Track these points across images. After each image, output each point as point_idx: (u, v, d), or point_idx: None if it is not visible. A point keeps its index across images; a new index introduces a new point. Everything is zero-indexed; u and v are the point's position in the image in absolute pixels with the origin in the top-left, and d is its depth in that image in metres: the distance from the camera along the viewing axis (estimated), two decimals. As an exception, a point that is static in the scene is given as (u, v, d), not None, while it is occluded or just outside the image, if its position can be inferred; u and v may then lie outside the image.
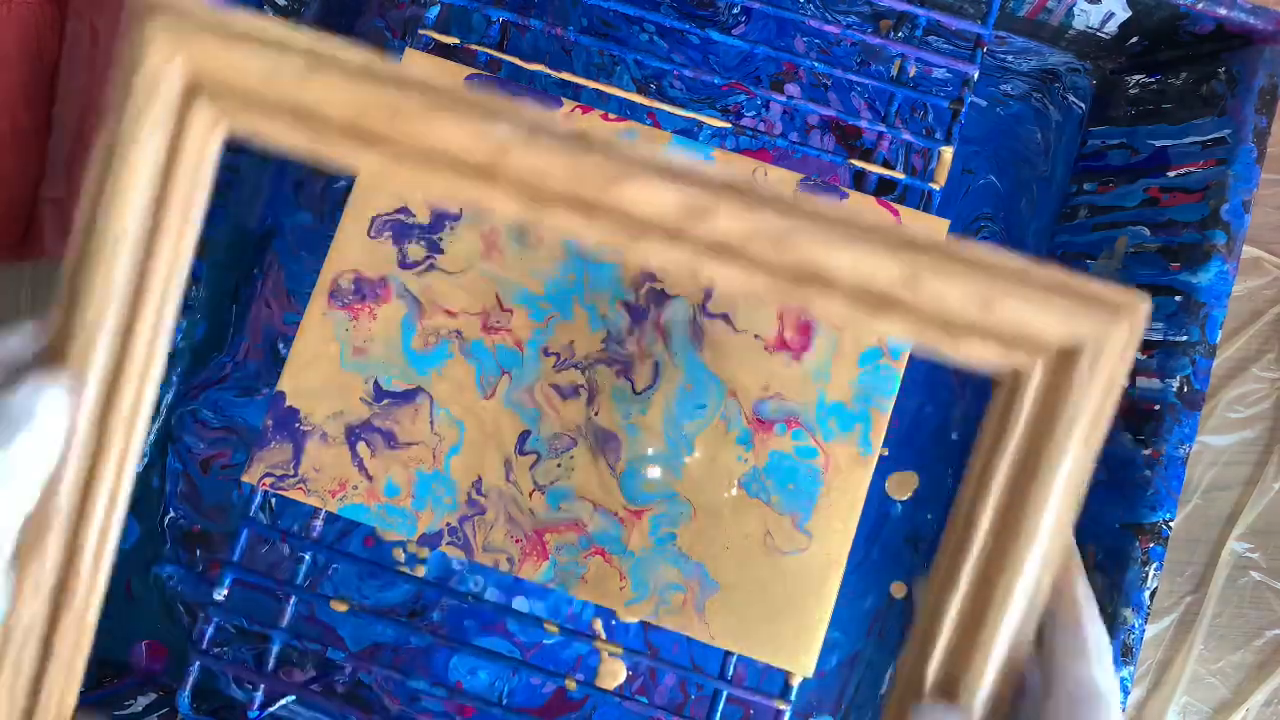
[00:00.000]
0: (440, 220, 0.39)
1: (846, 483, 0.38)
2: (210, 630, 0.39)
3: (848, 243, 0.23)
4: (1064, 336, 0.24)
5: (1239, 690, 0.47)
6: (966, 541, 0.24)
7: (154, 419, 0.46)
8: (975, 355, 0.24)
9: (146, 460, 0.46)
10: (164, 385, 0.46)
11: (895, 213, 0.39)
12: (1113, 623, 0.38)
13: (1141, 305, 0.24)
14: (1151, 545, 0.39)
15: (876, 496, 0.46)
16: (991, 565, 0.24)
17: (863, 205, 0.26)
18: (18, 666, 0.26)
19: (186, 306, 0.46)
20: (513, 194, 0.24)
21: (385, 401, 0.38)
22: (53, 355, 0.25)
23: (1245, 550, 0.48)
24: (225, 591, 0.39)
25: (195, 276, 0.46)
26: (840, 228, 0.23)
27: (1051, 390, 0.24)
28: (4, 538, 0.24)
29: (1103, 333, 0.23)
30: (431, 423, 0.38)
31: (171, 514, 0.46)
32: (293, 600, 0.39)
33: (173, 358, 0.46)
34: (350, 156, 0.24)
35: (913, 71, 0.42)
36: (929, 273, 0.23)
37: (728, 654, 0.38)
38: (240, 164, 0.47)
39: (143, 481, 0.46)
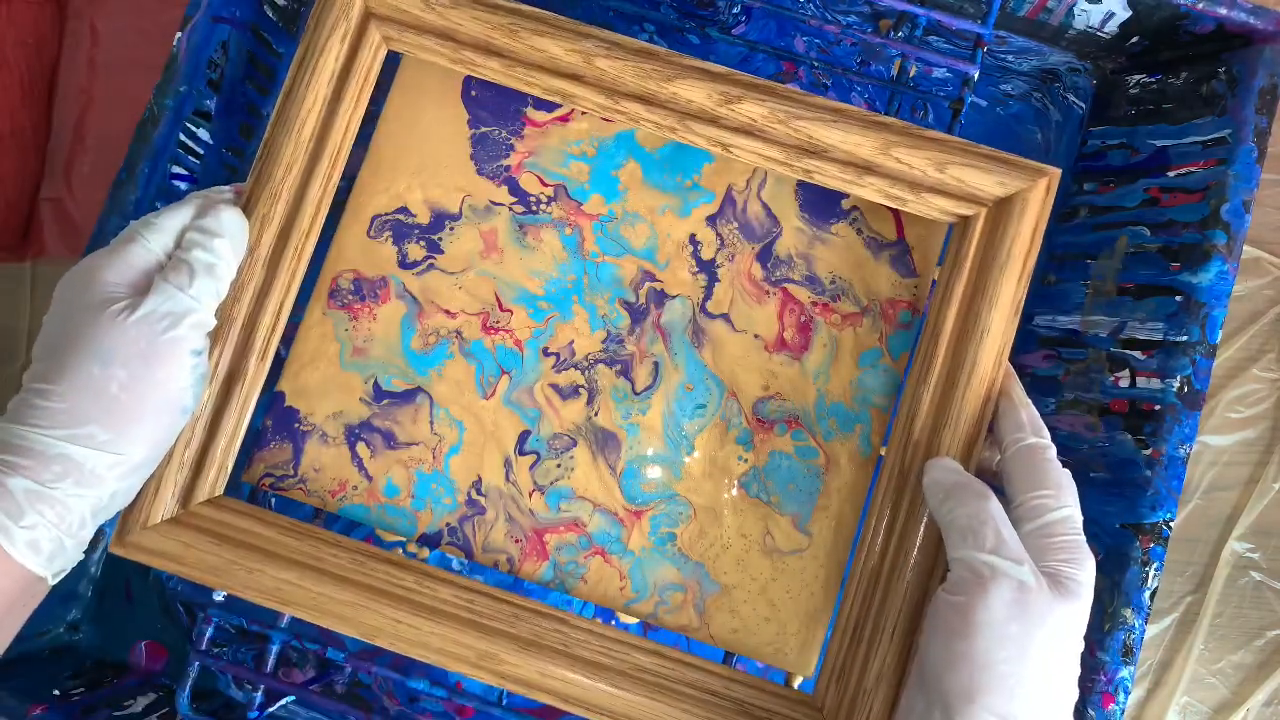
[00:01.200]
0: (440, 220, 0.39)
1: (847, 483, 0.38)
2: (210, 630, 0.39)
3: (837, 122, 0.35)
4: (1000, 191, 0.35)
5: (1239, 690, 0.47)
6: (934, 348, 0.35)
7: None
8: (936, 207, 0.36)
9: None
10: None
11: (897, 215, 0.39)
12: (1113, 622, 0.38)
13: (1055, 171, 0.35)
14: (1152, 545, 0.38)
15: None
16: (955, 360, 0.35)
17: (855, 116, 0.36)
18: (187, 440, 0.35)
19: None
20: (594, 90, 0.36)
21: (385, 401, 0.38)
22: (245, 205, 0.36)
23: (1245, 550, 0.48)
24: (225, 592, 0.39)
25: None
26: (831, 112, 0.35)
27: (992, 231, 0.35)
28: (208, 314, 0.33)
29: (1029, 188, 0.35)
30: (431, 423, 0.38)
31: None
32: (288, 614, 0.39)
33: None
34: (479, 64, 0.36)
35: (913, 71, 0.42)
36: (897, 146, 0.35)
37: (728, 654, 0.38)
38: (239, 166, 0.46)
39: (142, 481, 0.46)
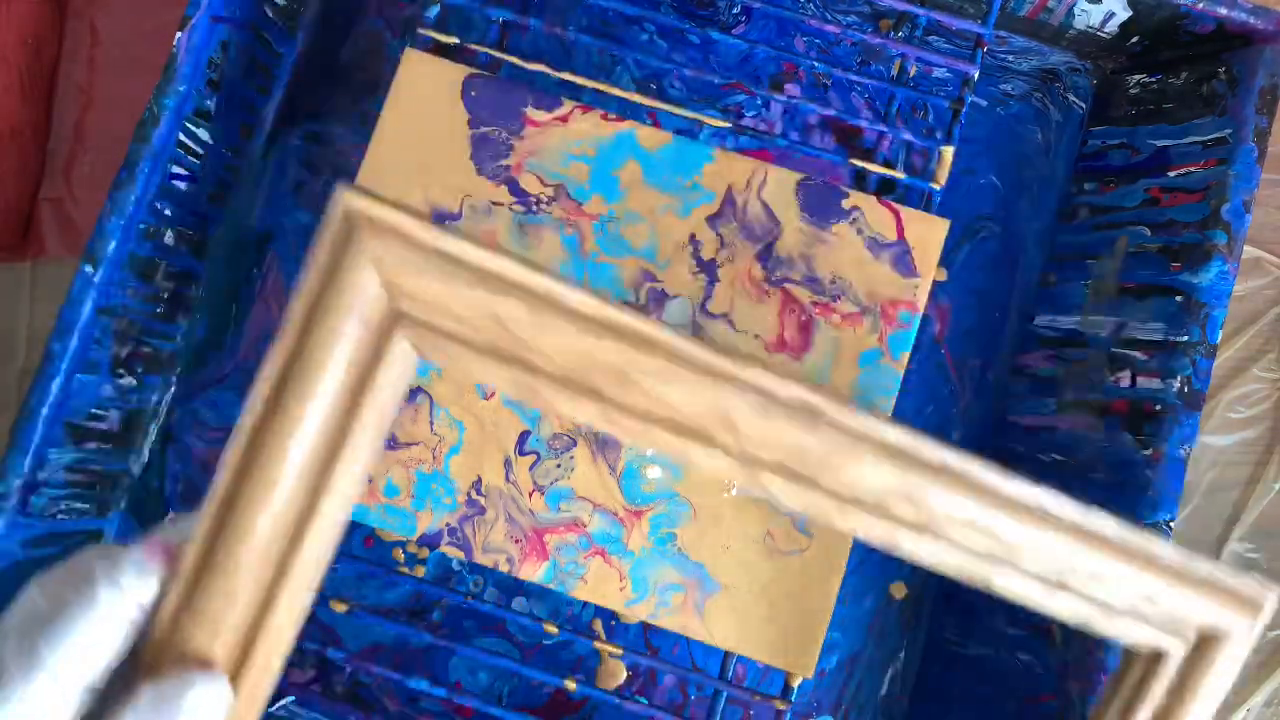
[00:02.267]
0: (440, 220, 0.39)
1: (847, 483, 0.38)
2: (210, 631, 0.39)
3: (1037, 528, 0.24)
4: (1208, 625, 0.26)
5: (1239, 690, 0.47)
6: None
7: (153, 419, 0.46)
8: (1128, 635, 0.27)
9: (145, 462, 0.46)
10: (162, 385, 0.46)
11: (896, 213, 0.39)
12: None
13: (1271, 596, 0.27)
14: (1152, 545, 0.38)
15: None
16: None
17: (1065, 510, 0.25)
18: None
19: (185, 307, 0.46)
20: (730, 455, 0.23)
21: (385, 402, 0.38)
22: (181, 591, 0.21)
23: (1246, 551, 0.48)
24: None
25: (195, 276, 0.46)
26: (1035, 517, 0.24)
27: (1190, 669, 0.27)
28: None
29: (1241, 624, 0.27)
30: (431, 423, 0.38)
31: (172, 515, 0.46)
32: (292, 601, 0.39)
33: (172, 358, 0.46)
34: (565, 406, 0.22)
35: (913, 71, 0.42)
36: (1105, 566, 0.25)
37: (728, 654, 0.38)
38: (240, 165, 0.46)
39: (142, 484, 0.46)
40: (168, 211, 0.43)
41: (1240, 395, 0.49)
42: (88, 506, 0.44)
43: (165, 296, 0.45)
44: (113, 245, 0.40)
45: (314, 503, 0.21)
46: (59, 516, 0.42)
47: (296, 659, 0.45)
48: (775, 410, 0.22)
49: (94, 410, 0.42)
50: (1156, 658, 0.28)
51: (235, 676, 0.21)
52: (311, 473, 0.21)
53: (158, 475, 0.46)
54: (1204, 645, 0.27)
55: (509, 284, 0.21)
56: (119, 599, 0.20)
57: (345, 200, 0.21)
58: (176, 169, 0.43)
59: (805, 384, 0.22)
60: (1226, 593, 0.26)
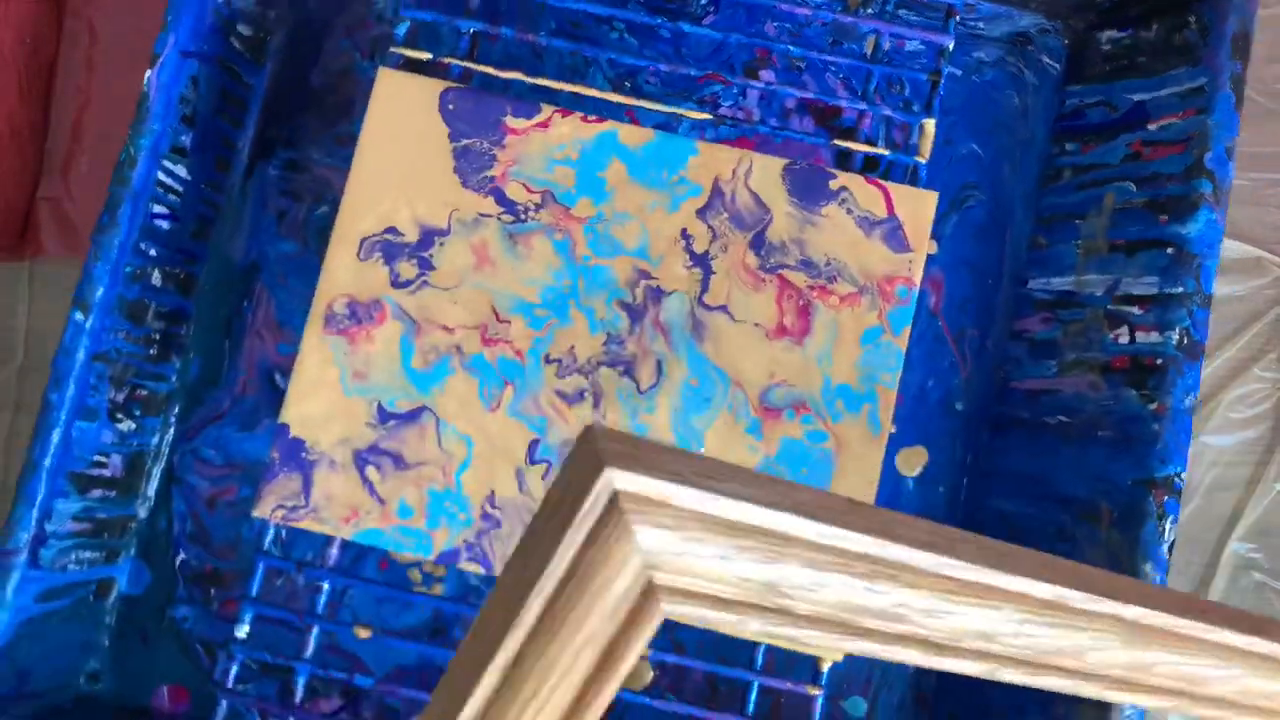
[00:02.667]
0: (429, 236, 0.39)
1: (860, 463, 0.38)
2: (235, 668, 0.38)
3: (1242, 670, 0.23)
4: None
5: None
6: None
7: (155, 461, 0.46)
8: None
9: (151, 504, 0.46)
10: (161, 426, 0.46)
11: (885, 189, 0.39)
12: (1134, 578, 0.38)
13: None
14: (1166, 499, 0.39)
15: (888, 474, 0.46)
16: None
17: None
18: None
19: (179, 346, 0.46)
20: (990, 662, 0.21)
21: (390, 423, 0.38)
22: None
23: (1247, 551, 0.48)
24: (247, 628, 0.38)
25: (184, 314, 0.46)
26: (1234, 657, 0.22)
27: None
28: None
29: None
30: (439, 440, 0.38)
31: (182, 555, 0.46)
32: (315, 630, 0.39)
33: (168, 398, 0.46)
34: (826, 642, 0.20)
35: (886, 46, 0.42)
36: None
37: (755, 644, 0.38)
38: (220, 199, 0.46)
39: (149, 527, 0.46)
40: (152, 252, 0.42)
41: (1240, 395, 0.49)
42: (97, 554, 0.43)
43: (157, 337, 0.44)
44: (101, 290, 0.40)
45: None
46: (69, 568, 0.42)
47: (322, 688, 0.45)
48: (1031, 614, 0.21)
49: (96, 457, 0.42)
50: None
51: None
52: None
53: (165, 517, 0.46)
54: None
55: (782, 539, 0.18)
56: None
57: (607, 479, 0.17)
58: (157, 208, 0.42)
59: (1057, 573, 0.21)
60: None
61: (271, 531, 0.39)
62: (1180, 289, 0.40)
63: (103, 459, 0.43)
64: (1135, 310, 0.41)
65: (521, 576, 0.17)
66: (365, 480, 0.38)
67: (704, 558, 0.18)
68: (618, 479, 0.17)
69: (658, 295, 0.38)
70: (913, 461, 0.47)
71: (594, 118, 0.39)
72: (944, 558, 0.19)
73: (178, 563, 0.46)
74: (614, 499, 0.17)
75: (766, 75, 0.48)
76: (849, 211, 0.39)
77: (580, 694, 0.18)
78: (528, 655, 0.18)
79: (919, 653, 0.20)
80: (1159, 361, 0.40)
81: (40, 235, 0.50)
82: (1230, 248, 0.49)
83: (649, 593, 0.18)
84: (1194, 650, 0.22)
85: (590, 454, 0.17)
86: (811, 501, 0.18)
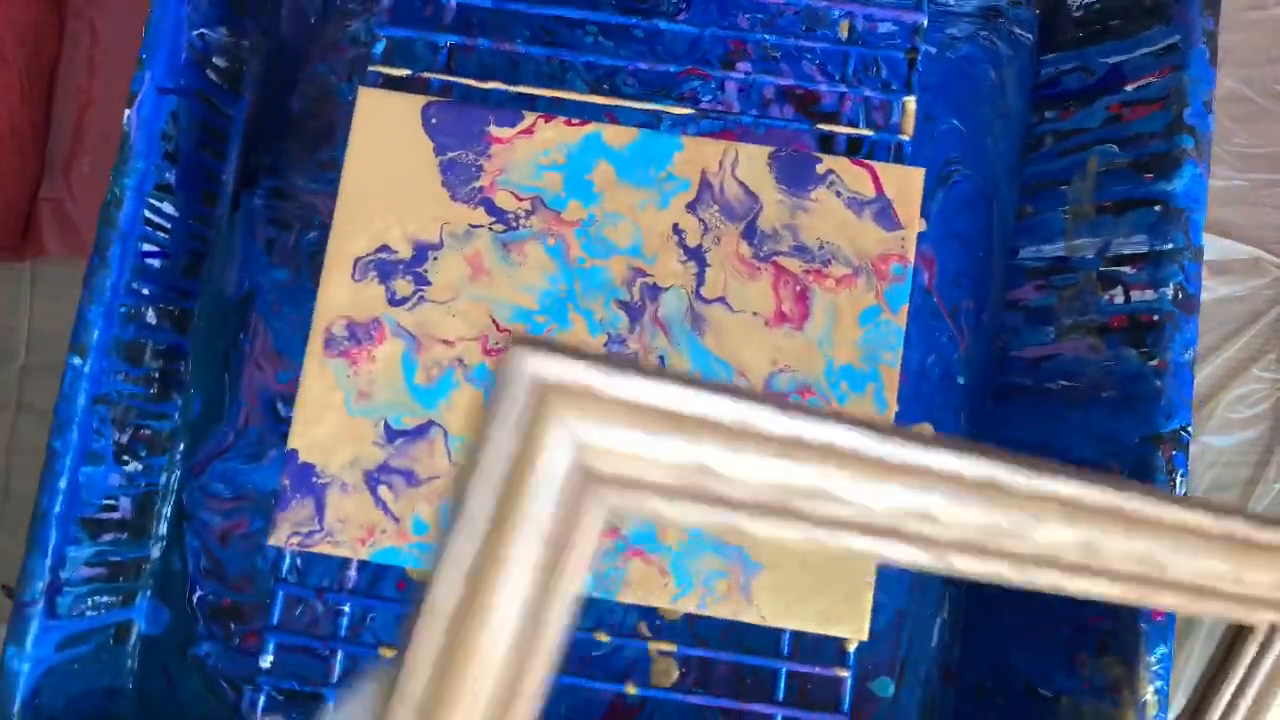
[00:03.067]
0: (422, 252, 0.39)
1: (868, 443, 0.38)
2: (262, 699, 0.38)
3: (1190, 547, 0.24)
4: None
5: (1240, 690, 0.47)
6: None
7: (164, 500, 0.46)
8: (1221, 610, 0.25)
9: (164, 544, 0.46)
10: (168, 465, 0.46)
11: (871, 169, 0.39)
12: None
13: None
14: (1174, 453, 0.39)
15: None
16: None
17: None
18: None
19: (179, 383, 0.46)
20: (920, 546, 0.22)
21: (399, 441, 0.38)
22: None
23: None
24: (271, 658, 0.38)
25: (182, 351, 0.46)
26: (1191, 535, 0.24)
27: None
28: None
29: None
30: (449, 454, 0.38)
31: (199, 592, 0.46)
32: (339, 655, 0.39)
33: (172, 436, 0.46)
34: (765, 532, 0.21)
35: (860, 28, 0.43)
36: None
37: (781, 631, 0.38)
38: (208, 233, 0.46)
39: (164, 565, 0.46)
40: (145, 290, 0.42)
41: (1240, 395, 0.49)
42: (114, 598, 0.43)
43: (156, 376, 0.44)
44: (96, 333, 0.40)
45: (515, 688, 0.20)
46: (87, 613, 0.42)
47: (350, 713, 0.45)
48: (965, 493, 0.22)
49: (105, 501, 0.42)
50: (1273, 634, 0.27)
51: None
52: (511, 664, 0.20)
53: (178, 555, 0.46)
54: None
55: (704, 423, 0.20)
56: None
57: (526, 363, 0.18)
58: (147, 246, 0.42)
59: (989, 455, 0.22)
60: None
61: (288, 559, 0.39)
62: (1170, 245, 0.40)
63: (112, 502, 0.42)
64: (1128, 270, 0.42)
65: (461, 479, 0.18)
66: (378, 500, 0.38)
67: (634, 443, 0.19)
68: (545, 370, 0.18)
69: (655, 292, 0.39)
70: (919, 439, 0.47)
71: (577, 121, 0.39)
72: (871, 438, 0.20)
73: (195, 600, 0.46)
74: (543, 392, 0.18)
75: (744, 66, 0.48)
76: (838, 194, 0.39)
77: (536, 593, 0.19)
78: (481, 554, 0.19)
79: (860, 537, 0.21)
80: (1156, 318, 0.40)
81: (42, 236, 0.50)
82: (1229, 248, 0.50)
83: (587, 481, 0.19)
84: (1146, 531, 0.23)
85: (518, 354, 0.18)
86: (734, 389, 0.20)
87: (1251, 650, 0.26)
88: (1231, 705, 0.27)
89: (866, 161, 0.39)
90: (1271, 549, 0.24)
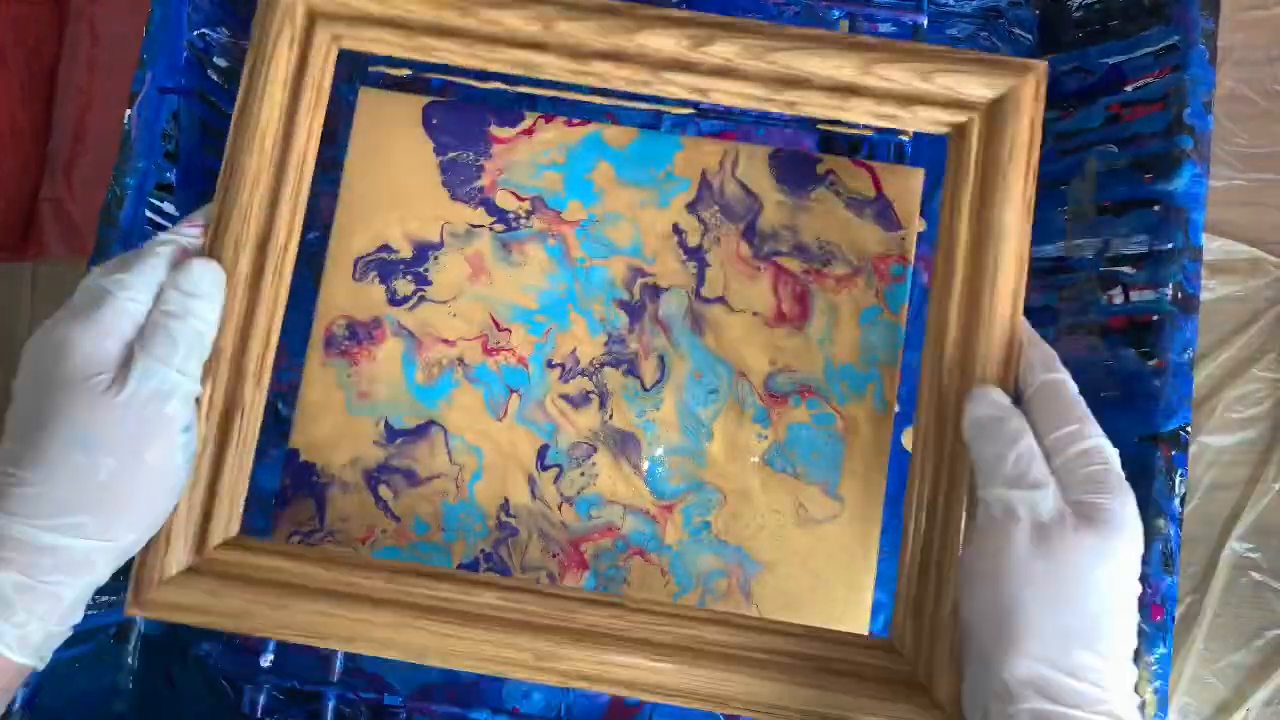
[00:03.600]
0: (423, 251, 0.39)
1: (869, 442, 0.38)
2: (262, 698, 0.38)
3: (814, 48, 0.33)
4: (990, 93, 0.34)
5: (1239, 690, 0.47)
6: (950, 262, 0.34)
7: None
8: (928, 119, 0.35)
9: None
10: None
11: (872, 170, 0.39)
12: (1148, 534, 0.39)
13: (1042, 64, 0.34)
14: (1173, 453, 0.39)
15: (895, 453, 0.47)
16: (975, 268, 0.34)
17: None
18: (193, 483, 0.33)
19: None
20: (560, 55, 0.34)
21: (399, 440, 0.38)
22: (213, 236, 0.34)
23: (1246, 550, 0.48)
24: (271, 657, 0.38)
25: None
26: (806, 39, 0.33)
27: (990, 133, 0.34)
28: (196, 385, 0.31)
29: (1019, 85, 0.34)
30: (449, 453, 0.38)
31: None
32: (339, 654, 0.39)
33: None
34: (436, 48, 0.34)
35: (860, 28, 0.43)
36: (878, 62, 0.33)
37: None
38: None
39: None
40: (147, 289, 0.42)
41: (1240, 395, 0.49)
42: (114, 597, 0.43)
43: (157, 375, 0.44)
44: (98, 332, 0.40)
45: (284, 161, 0.35)
46: (88, 612, 0.42)
47: (350, 711, 0.45)
48: (582, 12, 0.33)
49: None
50: (962, 134, 0.35)
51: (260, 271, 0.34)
52: (278, 149, 0.35)
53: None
54: (994, 110, 0.34)
55: None
56: (179, 238, 0.33)
57: None
58: (148, 246, 0.42)
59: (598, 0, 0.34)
60: (999, 64, 0.34)
61: (288, 558, 0.39)
62: (1170, 245, 0.40)
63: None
64: (1127, 270, 0.42)
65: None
66: (378, 499, 0.38)
67: None
68: None
69: (655, 292, 0.39)
70: (919, 438, 0.47)
71: (577, 121, 0.39)
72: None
73: (195, 599, 0.46)
74: None
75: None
76: (838, 194, 0.39)
77: (290, 108, 0.35)
78: (248, 97, 0.35)
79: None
80: (1155, 318, 0.40)
81: (42, 236, 0.51)
82: (1229, 248, 0.50)
83: (313, 17, 0.35)
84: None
85: None
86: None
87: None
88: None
89: (866, 162, 0.39)
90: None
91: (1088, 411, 0.31)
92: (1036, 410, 0.32)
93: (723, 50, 0.33)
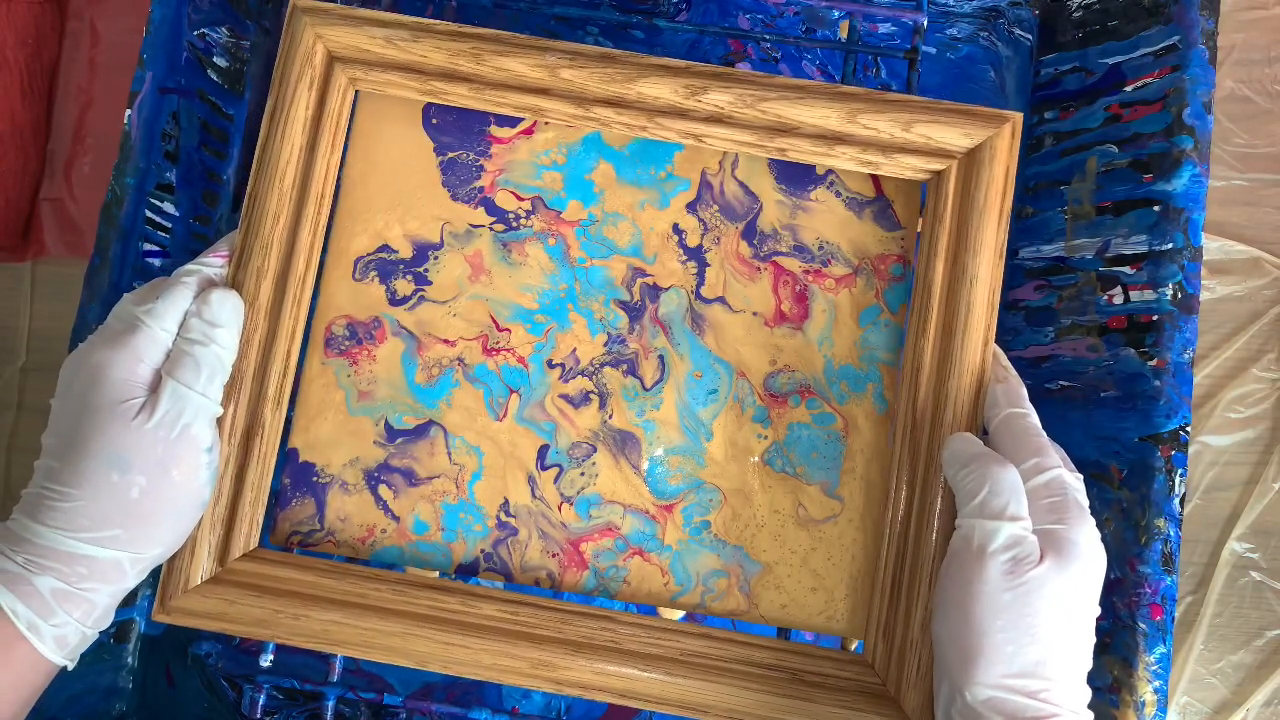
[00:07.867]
0: (423, 251, 0.39)
1: (869, 442, 0.38)
2: (262, 699, 0.38)
3: (802, 98, 0.36)
4: (967, 143, 0.36)
5: (1239, 690, 0.47)
6: (927, 301, 0.36)
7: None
8: (909, 166, 0.37)
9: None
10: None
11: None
12: (1148, 535, 0.39)
13: (1017, 115, 0.36)
14: (1173, 453, 0.39)
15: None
16: (949, 309, 0.36)
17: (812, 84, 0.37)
18: (216, 497, 0.35)
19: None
20: (564, 101, 0.37)
21: (399, 440, 0.38)
22: (236, 267, 0.36)
23: (1245, 550, 0.48)
24: (271, 657, 0.38)
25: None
26: (795, 90, 0.36)
27: (966, 181, 0.36)
28: (218, 406, 0.34)
29: (995, 135, 0.36)
30: (449, 453, 0.38)
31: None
32: (338, 654, 0.39)
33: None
34: (448, 92, 0.37)
35: (860, 30, 0.43)
36: (863, 112, 0.36)
37: (781, 631, 0.38)
38: (208, 233, 0.46)
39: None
40: (146, 289, 0.42)
41: (1240, 395, 0.49)
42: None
43: (157, 375, 0.44)
44: (98, 332, 0.40)
45: (303, 198, 0.37)
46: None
47: (350, 711, 0.45)
48: (585, 60, 0.36)
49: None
50: (939, 181, 0.36)
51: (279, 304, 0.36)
52: (298, 186, 0.37)
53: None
54: (971, 160, 0.36)
55: (396, 25, 0.37)
56: (204, 269, 0.36)
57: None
58: (148, 246, 0.42)
59: (600, 50, 0.37)
60: (977, 115, 0.36)
61: (288, 558, 0.39)
62: (1170, 245, 0.40)
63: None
64: (1127, 270, 0.42)
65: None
66: (378, 499, 0.38)
67: (371, 36, 0.36)
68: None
69: (655, 292, 0.39)
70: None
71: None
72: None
73: (195, 599, 0.46)
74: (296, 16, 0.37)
75: (743, 67, 0.48)
76: (838, 194, 0.39)
77: (304, 169, 0.37)
78: (270, 134, 0.37)
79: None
80: (1155, 318, 0.40)
81: (42, 235, 0.51)
82: (1229, 248, 0.50)
83: (332, 61, 0.37)
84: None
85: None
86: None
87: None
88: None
89: (866, 161, 0.39)
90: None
91: (1048, 442, 0.34)
92: (999, 444, 0.34)
93: (716, 99, 0.36)
